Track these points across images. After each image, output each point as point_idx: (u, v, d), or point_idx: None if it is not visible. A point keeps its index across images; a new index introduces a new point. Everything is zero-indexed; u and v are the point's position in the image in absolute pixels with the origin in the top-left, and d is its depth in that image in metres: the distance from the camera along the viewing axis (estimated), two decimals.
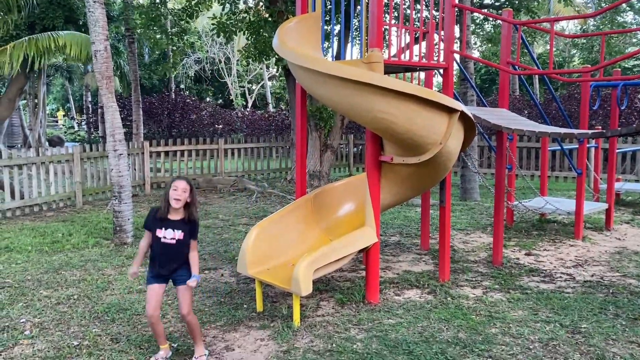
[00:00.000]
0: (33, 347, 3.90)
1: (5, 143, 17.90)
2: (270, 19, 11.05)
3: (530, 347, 3.88)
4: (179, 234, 3.56)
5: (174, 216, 3.57)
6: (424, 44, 5.29)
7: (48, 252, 6.58)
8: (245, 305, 4.75)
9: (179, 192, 3.51)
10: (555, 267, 5.97)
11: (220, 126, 21.37)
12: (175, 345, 3.93)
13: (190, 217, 3.59)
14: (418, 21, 5.06)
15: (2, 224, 8.18)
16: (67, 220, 8.48)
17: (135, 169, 11.41)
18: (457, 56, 6.41)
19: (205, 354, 3.72)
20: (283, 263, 4.83)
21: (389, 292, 5.09)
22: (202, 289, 5.21)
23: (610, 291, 5.10)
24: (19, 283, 5.34)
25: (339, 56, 10.30)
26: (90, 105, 24.56)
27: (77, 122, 32.23)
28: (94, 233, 7.52)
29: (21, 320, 4.39)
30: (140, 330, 4.19)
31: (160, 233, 3.55)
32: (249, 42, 11.58)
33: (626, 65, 23.55)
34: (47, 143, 20.46)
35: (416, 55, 5.13)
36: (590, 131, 5.66)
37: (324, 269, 4.41)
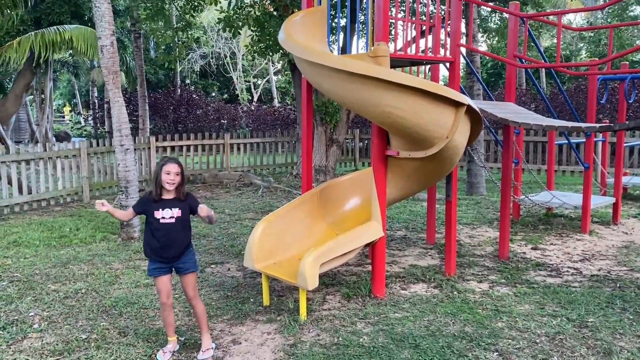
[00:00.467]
0: (42, 341, 3.94)
1: (13, 138, 18.00)
2: (275, 13, 11.03)
3: (537, 341, 3.87)
4: (176, 212, 3.59)
5: (168, 196, 3.60)
6: (430, 37, 5.26)
7: (56, 246, 6.63)
8: (251, 299, 4.77)
9: (172, 177, 3.53)
10: (562, 261, 5.96)
11: (225, 121, 21.39)
12: (183, 338, 3.95)
13: (181, 196, 3.61)
14: (424, 14, 5.03)
15: (10, 219, 8.24)
16: (75, 215, 8.53)
17: (141, 164, 11.45)
18: (463, 50, 6.38)
19: (212, 347, 3.75)
20: (289, 257, 4.84)
21: (395, 286, 5.09)
22: (209, 283, 5.23)
23: (618, 285, 5.09)
24: (28, 277, 5.39)
25: (344, 50, 10.28)
26: (96, 101, 24.67)
27: (83, 118, 32.35)
28: (101, 228, 7.57)
29: (30, 314, 4.43)
30: (147, 324, 4.22)
31: (159, 214, 3.57)
32: (254, 35, 11.55)
33: (634, 59, 23.36)
34: (54, 138, 20.55)
35: (422, 51, 5.11)
36: (597, 125, 5.63)
37: (330, 263, 4.42)
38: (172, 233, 3.58)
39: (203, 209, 3.62)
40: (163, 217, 3.57)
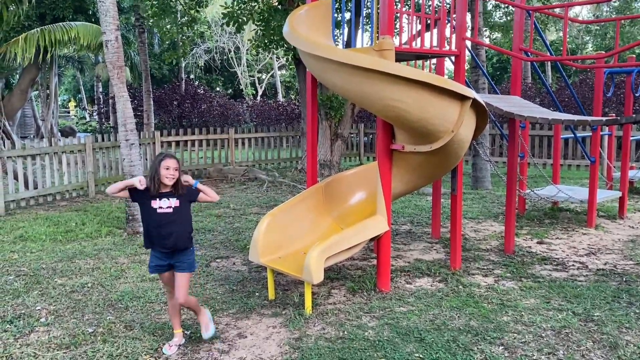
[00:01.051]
0: (49, 334, 3.96)
1: (18, 134, 18.06)
2: (279, 7, 11.00)
3: (543, 335, 3.87)
4: (174, 202, 3.59)
5: (164, 189, 3.60)
6: (435, 31, 5.24)
7: (62, 241, 6.66)
8: (257, 293, 4.78)
9: (171, 172, 3.53)
10: (567, 255, 5.94)
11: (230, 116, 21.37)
12: (189, 332, 3.97)
13: (178, 192, 3.61)
14: (429, 8, 5.00)
15: (16, 214, 8.28)
16: (80, 210, 8.56)
17: (146, 159, 11.47)
18: (468, 43, 6.35)
19: (209, 318, 3.80)
20: (294, 251, 4.84)
21: (400, 280, 5.09)
22: (214, 277, 5.25)
23: (624, 279, 5.07)
24: (34, 271, 5.42)
25: (349, 44, 10.25)
26: (101, 96, 24.68)
27: (88, 113, 32.39)
28: (106, 222, 7.59)
29: (37, 308, 4.46)
30: (153, 318, 4.24)
31: (156, 204, 3.57)
32: (258, 30, 11.53)
33: None
34: (59, 134, 20.62)
35: (428, 47, 5.08)
36: (604, 118, 5.59)
37: (335, 257, 4.41)
38: (169, 223, 3.58)
39: (202, 196, 3.71)
40: (160, 207, 3.57)
